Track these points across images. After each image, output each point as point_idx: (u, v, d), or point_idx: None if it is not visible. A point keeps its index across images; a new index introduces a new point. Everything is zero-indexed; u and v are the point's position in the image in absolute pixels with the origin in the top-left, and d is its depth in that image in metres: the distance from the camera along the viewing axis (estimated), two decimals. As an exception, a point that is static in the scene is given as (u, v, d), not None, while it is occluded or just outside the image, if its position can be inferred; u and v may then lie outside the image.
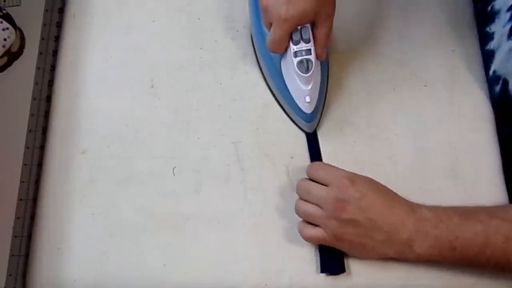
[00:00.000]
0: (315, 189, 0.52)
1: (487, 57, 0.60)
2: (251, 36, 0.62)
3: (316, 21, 0.52)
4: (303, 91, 0.54)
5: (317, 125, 0.59)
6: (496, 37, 0.58)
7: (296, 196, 0.55)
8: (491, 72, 0.59)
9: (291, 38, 0.53)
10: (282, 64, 0.56)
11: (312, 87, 0.54)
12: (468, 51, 0.62)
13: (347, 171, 0.52)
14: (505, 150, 0.58)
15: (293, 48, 0.53)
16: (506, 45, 0.56)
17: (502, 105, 0.57)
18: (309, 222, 0.52)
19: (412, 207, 0.50)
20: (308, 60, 0.53)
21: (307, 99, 0.55)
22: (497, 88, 0.58)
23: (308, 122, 0.57)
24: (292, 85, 0.56)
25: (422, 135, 0.59)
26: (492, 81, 0.59)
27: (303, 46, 0.53)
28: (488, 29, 0.60)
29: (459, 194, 0.56)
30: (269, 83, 0.60)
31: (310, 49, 0.53)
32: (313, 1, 0.49)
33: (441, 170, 0.57)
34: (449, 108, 0.60)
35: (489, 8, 0.60)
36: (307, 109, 0.56)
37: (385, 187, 0.52)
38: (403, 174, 0.57)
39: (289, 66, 0.54)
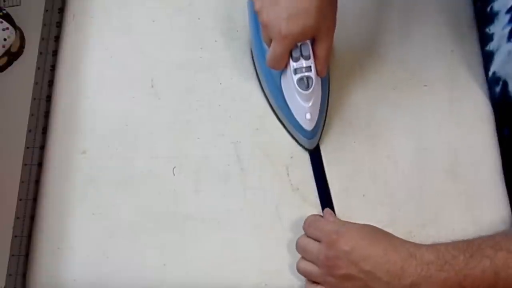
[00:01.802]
0: (309, 247, 0.51)
1: (487, 58, 0.60)
2: (251, 51, 0.62)
3: (316, 37, 0.51)
4: (304, 108, 0.54)
5: (318, 142, 0.58)
6: (495, 38, 0.58)
7: (297, 196, 0.55)
8: (490, 73, 0.59)
9: (290, 55, 0.52)
10: (282, 81, 0.56)
11: (312, 104, 0.53)
12: (467, 51, 0.62)
13: (336, 224, 0.51)
14: (505, 152, 0.57)
15: (293, 65, 0.52)
16: (506, 47, 0.56)
17: (502, 106, 0.57)
18: (311, 280, 0.52)
19: (410, 251, 0.47)
20: (308, 77, 0.52)
21: (308, 116, 0.54)
22: (497, 89, 0.58)
23: (309, 139, 0.56)
24: (293, 101, 0.55)
25: (422, 135, 0.59)
26: (492, 82, 0.59)
27: (303, 63, 0.52)
28: (487, 30, 0.60)
29: (459, 194, 0.56)
30: (269, 99, 0.60)
31: (310, 66, 0.52)
32: (313, 17, 0.48)
33: (441, 170, 0.57)
34: (449, 108, 0.60)
35: (488, 9, 0.60)
36: (308, 126, 0.55)
37: (377, 231, 0.50)
38: (403, 174, 0.57)
39: (289, 82, 0.53)
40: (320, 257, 0.49)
